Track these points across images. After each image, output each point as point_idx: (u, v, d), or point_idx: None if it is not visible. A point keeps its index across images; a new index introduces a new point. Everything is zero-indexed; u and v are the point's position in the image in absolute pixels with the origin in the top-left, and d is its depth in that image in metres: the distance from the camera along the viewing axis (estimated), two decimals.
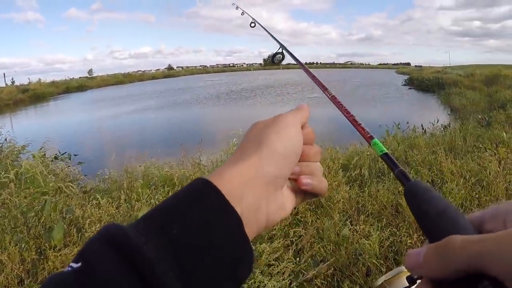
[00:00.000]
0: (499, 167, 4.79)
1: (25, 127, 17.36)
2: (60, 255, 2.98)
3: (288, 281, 2.52)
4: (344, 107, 0.68)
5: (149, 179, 4.82)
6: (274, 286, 2.36)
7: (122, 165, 5.94)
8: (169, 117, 18.57)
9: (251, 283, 2.39)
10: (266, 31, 2.06)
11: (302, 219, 3.63)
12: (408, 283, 0.39)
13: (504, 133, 6.68)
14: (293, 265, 2.69)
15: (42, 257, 3.04)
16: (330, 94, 0.76)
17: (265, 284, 2.36)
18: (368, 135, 0.56)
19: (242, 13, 2.78)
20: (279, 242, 2.89)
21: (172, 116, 18.90)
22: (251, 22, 2.50)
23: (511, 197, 4.23)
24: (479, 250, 0.29)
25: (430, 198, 0.40)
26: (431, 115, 11.15)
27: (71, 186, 5.54)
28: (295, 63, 1.30)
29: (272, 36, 1.77)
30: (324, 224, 3.35)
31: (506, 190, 4.35)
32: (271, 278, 2.47)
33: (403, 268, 0.60)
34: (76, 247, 3.07)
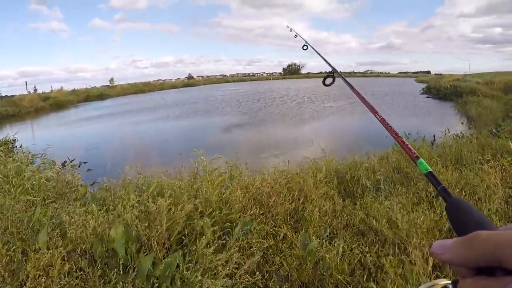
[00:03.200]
0: (499, 180, 4.61)
1: (43, 134, 17.89)
2: (40, 257, 2.97)
3: None
4: (393, 128, 0.78)
5: (137, 188, 4.84)
6: None
7: (121, 174, 5.98)
8: (180, 126, 18.94)
9: None
10: (319, 54, 2.12)
11: (276, 232, 3.55)
12: None
13: (511, 142, 6.34)
14: (255, 279, 2.63)
15: (25, 258, 3.08)
16: (380, 117, 0.89)
17: None
18: (415, 155, 0.63)
19: (296, 36, 2.87)
20: (240, 254, 2.83)
21: (183, 125, 19.28)
22: (304, 45, 2.61)
23: (509, 211, 4.07)
24: (499, 240, 0.34)
25: (470, 212, 0.45)
26: (444, 124, 10.91)
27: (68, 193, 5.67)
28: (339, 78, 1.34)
29: (325, 60, 1.82)
30: (297, 238, 3.26)
31: (506, 204, 4.19)
32: None
33: (437, 281, 0.61)
34: (57, 250, 3.07)
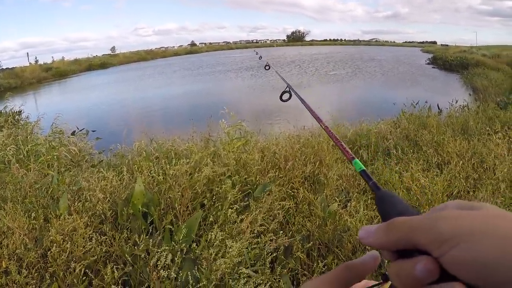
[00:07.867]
0: (507, 150, 4.71)
1: (48, 104, 17.89)
2: (63, 223, 3.03)
3: (268, 251, 2.57)
4: (334, 135, 0.85)
5: (151, 153, 4.91)
6: (251, 258, 2.42)
7: (134, 141, 6.02)
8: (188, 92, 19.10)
9: (224, 252, 2.44)
10: (277, 73, 2.35)
11: (294, 194, 3.69)
12: (382, 280, 0.48)
13: None
14: (279, 237, 2.75)
15: (48, 224, 3.12)
16: (324, 125, 0.97)
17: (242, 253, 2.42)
18: (351, 156, 0.68)
19: (260, 58, 3.03)
20: (261, 215, 2.94)
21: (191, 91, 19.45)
22: (266, 65, 3.03)
23: None
24: (411, 224, 0.38)
25: (393, 202, 0.48)
26: (451, 95, 10.91)
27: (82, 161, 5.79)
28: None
29: (282, 78, 1.96)
30: (316, 199, 3.38)
31: None
32: (251, 250, 2.54)
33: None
34: (79, 216, 3.13)
